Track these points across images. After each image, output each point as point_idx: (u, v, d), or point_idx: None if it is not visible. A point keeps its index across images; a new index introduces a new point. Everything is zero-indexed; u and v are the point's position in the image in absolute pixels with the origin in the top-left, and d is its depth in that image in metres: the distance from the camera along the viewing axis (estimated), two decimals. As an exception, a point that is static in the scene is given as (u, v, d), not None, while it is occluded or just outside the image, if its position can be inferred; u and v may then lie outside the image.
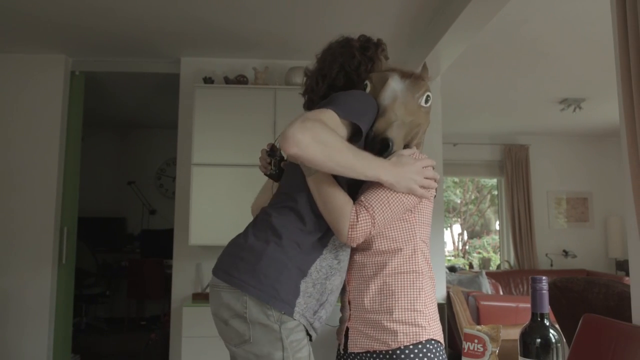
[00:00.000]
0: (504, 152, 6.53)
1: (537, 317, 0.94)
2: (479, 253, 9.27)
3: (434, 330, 1.25)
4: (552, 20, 3.16)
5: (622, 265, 6.13)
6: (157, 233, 6.17)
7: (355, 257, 1.33)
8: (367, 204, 1.22)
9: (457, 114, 5.42)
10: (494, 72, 4.13)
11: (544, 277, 0.94)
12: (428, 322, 1.24)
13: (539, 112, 5.39)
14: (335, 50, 1.45)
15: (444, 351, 1.27)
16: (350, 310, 1.32)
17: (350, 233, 1.20)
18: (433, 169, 1.33)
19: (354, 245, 1.24)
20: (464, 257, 9.24)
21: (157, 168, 6.59)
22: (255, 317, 1.22)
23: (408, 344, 1.21)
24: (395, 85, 1.33)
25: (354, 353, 1.31)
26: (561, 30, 3.31)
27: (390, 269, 1.27)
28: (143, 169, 6.56)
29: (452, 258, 9.08)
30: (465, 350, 1.10)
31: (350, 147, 1.18)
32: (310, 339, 1.32)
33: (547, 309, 0.94)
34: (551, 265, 6.37)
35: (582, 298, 2.54)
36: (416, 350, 1.21)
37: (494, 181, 7.45)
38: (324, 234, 1.28)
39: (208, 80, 3.59)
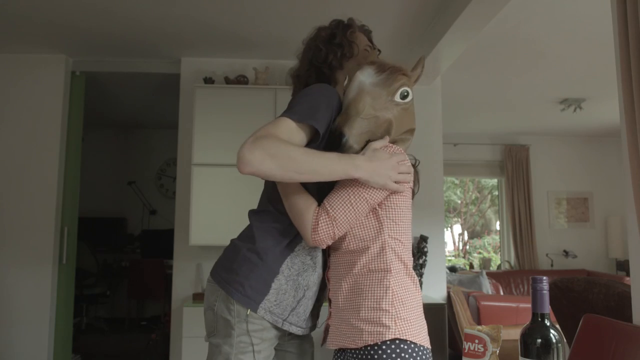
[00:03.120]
0: (504, 152, 6.53)
1: (537, 317, 0.94)
2: (480, 253, 9.28)
3: (402, 330, 1.20)
4: (552, 20, 3.16)
5: (623, 265, 6.13)
6: (157, 233, 6.18)
7: (331, 256, 1.34)
8: (327, 207, 1.23)
9: (457, 114, 5.42)
10: (494, 72, 4.13)
11: (544, 277, 0.94)
12: (394, 321, 1.20)
13: (539, 112, 5.39)
14: (306, 46, 1.46)
15: (416, 351, 1.21)
16: (330, 307, 1.33)
17: (313, 237, 1.22)
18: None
19: (323, 247, 1.27)
20: (464, 257, 9.25)
21: (158, 168, 6.59)
22: (221, 311, 1.28)
23: (372, 343, 1.19)
24: (363, 79, 1.28)
25: (334, 350, 1.33)
26: (561, 30, 3.31)
27: (359, 267, 1.26)
28: (143, 169, 6.56)
29: (453, 258, 9.08)
30: (466, 351, 1.10)
31: (308, 152, 1.17)
32: (286, 335, 1.36)
33: (547, 309, 0.95)
34: (552, 265, 6.37)
35: (582, 298, 2.54)
36: (380, 351, 1.18)
37: (495, 181, 7.45)
38: (298, 233, 1.30)
39: (208, 81, 3.59)
